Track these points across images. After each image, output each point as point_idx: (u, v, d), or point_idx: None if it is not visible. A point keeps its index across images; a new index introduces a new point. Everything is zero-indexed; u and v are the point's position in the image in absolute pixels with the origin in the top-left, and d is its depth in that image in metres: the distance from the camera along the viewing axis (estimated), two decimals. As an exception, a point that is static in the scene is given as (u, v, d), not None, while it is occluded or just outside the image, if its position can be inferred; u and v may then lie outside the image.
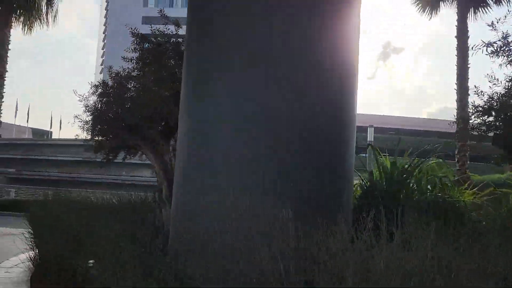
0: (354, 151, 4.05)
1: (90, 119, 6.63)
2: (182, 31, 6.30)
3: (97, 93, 6.63)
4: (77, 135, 6.94)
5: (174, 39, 5.95)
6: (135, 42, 5.82)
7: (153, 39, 5.83)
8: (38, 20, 13.00)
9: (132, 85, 6.41)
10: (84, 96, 6.72)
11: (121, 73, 6.49)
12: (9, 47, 12.79)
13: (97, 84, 6.67)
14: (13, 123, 72.93)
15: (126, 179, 44.96)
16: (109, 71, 6.75)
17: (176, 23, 6.00)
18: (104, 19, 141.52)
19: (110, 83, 6.72)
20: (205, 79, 3.80)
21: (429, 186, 4.96)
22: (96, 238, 3.69)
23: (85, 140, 6.56)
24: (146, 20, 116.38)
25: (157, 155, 6.28)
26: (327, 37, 3.76)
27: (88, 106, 6.64)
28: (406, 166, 4.88)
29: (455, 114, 10.94)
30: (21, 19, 13.02)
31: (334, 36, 3.80)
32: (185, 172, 3.80)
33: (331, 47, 3.77)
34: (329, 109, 3.76)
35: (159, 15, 7.07)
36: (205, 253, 3.19)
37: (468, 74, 11.60)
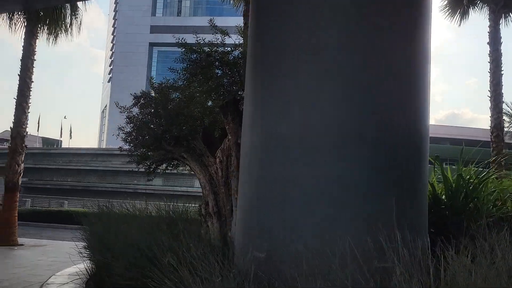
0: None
1: (132, 131, 6.54)
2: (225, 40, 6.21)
3: (138, 105, 6.54)
4: (120, 147, 6.84)
5: (221, 49, 5.84)
6: (182, 52, 5.70)
7: (199, 49, 5.72)
8: (63, 31, 13.01)
9: (177, 96, 6.30)
10: (126, 107, 6.64)
11: (164, 84, 6.39)
12: (35, 58, 12.80)
13: (139, 95, 6.57)
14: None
15: (137, 188, 45.02)
16: (150, 82, 6.65)
17: (223, 32, 5.89)
18: (112, 28, 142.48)
19: (152, 94, 6.63)
20: (276, 93, 3.68)
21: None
22: (166, 255, 3.58)
23: (129, 151, 6.45)
24: (154, 29, 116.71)
25: (202, 167, 6.15)
26: (407, 48, 3.65)
27: (130, 117, 6.55)
28: (471, 178, 4.72)
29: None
30: (46, 29, 13.02)
31: (412, 46, 3.69)
32: (259, 188, 3.67)
33: (410, 56, 3.65)
34: (408, 120, 3.63)
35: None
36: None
37: (502, 81, 11.50)
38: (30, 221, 21.93)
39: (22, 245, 12.18)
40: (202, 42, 5.95)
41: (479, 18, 14.03)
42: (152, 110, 6.48)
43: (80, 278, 5.64)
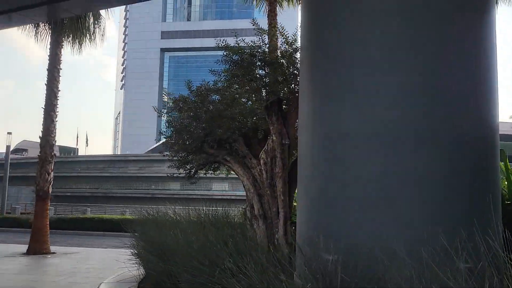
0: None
1: (173, 135, 6.50)
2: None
3: (177, 108, 6.50)
4: (162, 152, 6.81)
5: (261, 49, 5.76)
6: (224, 54, 5.64)
7: (240, 51, 5.65)
8: (88, 39, 13.08)
9: (216, 98, 6.24)
10: (164, 112, 6.62)
11: (204, 86, 6.33)
12: (61, 67, 12.89)
13: (177, 98, 6.54)
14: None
15: (155, 193, 45.27)
16: (188, 86, 6.60)
17: (262, 31, 5.82)
18: (123, 36, 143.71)
19: (190, 97, 6.58)
20: (344, 88, 3.57)
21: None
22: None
23: (170, 156, 6.41)
24: (165, 35, 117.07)
25: (245, 170, 6.07)
26: (476, 35, 3.53)
27: (170, 121, 6.51)
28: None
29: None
30: (70, 39, 13.10)
31: (481, 34, 3.57)
32: (327, 188, 3.57)
33: (482, 49, 3.54)
34: (481, 114, 3.51)
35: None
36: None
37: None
38: (56, 228, 22.11)
39: (54, 253, 12.25)
40: (239, 44, 5.88)
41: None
42: (192, 113, 6.42)
43: (132, 284, 5.61)
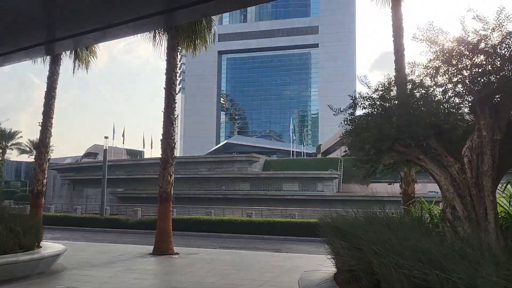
0: None
1: (352, 133, 6.28)
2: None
3: (359, 106, 6.27)
4: (345, 151, 6.60)
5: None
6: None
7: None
8: (203, 42, 13.28)
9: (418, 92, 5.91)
10: (341, 110, 6.40)
11: (392, 81, 6.04)
12: (177, 70, 13.11)
13: (356, 96, 6.30)
14: (112, 146, 77.66)
15: (226, 193, 45.74)
16: (360, 80, 6.35)
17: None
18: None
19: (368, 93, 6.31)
20: None
21: None
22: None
23: (353, 155, 6.19)
24: (222, 37, 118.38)
25: (441, 169, 5.72)
26: None
27: (351, 120, 6.29)
28: None
29: None
30: (185, 43, 13.34)
31: None
32: None
33: None
34: None
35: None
36: None
37: None
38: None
39: (177, 253, 12.46)
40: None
41: None
42: (374, 111, 6.16)
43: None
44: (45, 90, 15.05)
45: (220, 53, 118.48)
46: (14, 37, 11.73)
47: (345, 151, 63.18)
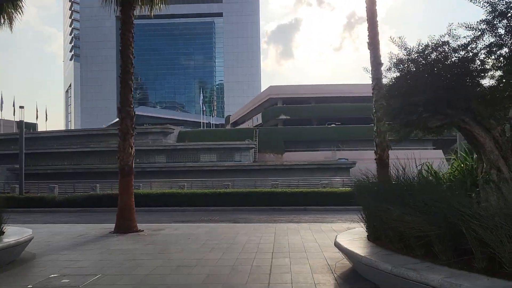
0: None
1: (392, 97, 6.15)
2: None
3: (399, 68, 6.13)
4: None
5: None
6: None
7: None
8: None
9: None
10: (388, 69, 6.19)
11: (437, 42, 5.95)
12: (134, 32, 11.92)
13: (395, 61, 6.15)
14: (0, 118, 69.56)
15: (144, 167, 43.83)
16: (396, 43, 6.21)
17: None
18: (70, 3, 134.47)
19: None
20: None
21: None
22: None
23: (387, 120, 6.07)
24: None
25: (486, 132, 5.89)
26: None
27: (390, 85, 6.14)
28: None
29: None
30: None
31: None
32: None
33: None
34: None
35: None
36: None
37: None
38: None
39: (142, 230, 11.56)
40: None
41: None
42: (428, 70, 6.02)
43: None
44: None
45: (119, 18, 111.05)
46: None
47: (260, 123, 64.16)
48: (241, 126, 73.64)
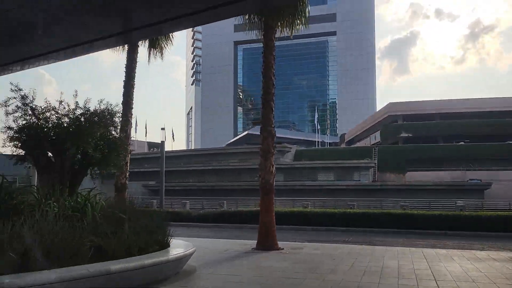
0: None
1: None
2: None
3: None
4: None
5: None
6: None
7: None
8: (299, 21, 12.52)
9: None
10: None
11: None
12: (275, 54, 12.27)
13: None
14: (135, 139, 77.30)
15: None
16: None
17: None
18: (192, 33, 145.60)
19: None
20: None
21: None
22: None
23: None
24: (238, 28, 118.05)
25: None
26: None
27: None
28: None
29: None
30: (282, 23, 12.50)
31: None
32: None
33: None
34: None
35: None
36: None
37: None
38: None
39: (282, 249, 11.66)
40: None
41: None
42: None
43: None
44: (124, 79, 14.28)
45: (236, 43, 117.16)
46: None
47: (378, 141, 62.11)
48: (357, 145, 71.99)
